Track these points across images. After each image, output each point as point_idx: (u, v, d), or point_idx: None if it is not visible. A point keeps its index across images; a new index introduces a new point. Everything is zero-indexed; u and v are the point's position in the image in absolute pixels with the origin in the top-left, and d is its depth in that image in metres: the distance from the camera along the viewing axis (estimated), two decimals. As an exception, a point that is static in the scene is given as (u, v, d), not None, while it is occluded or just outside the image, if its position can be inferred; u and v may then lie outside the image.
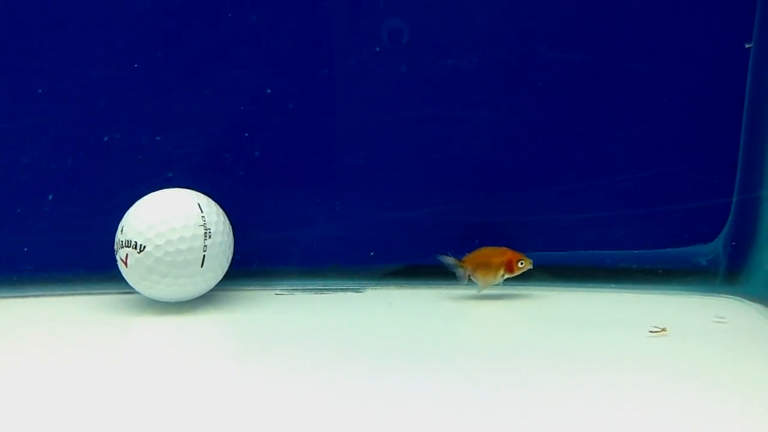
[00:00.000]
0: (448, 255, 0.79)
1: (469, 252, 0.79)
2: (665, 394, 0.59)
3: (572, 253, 0.84)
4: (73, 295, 0.82)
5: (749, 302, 0.80)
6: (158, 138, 0.82)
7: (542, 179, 0.83)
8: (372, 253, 0.85)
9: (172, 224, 0.73)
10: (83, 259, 0.83)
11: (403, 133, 0.83)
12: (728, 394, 0.59)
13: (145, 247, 0.73)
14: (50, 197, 0.82)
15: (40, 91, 0.80)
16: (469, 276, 0.78)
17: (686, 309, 0.79)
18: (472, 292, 0.80)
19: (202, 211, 0.75)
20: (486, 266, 0.78)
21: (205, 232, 0.74)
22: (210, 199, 0.78)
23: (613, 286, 0.83)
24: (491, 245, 0.79)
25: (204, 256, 0.74)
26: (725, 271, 0.83)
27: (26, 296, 0.82)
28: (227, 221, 0.78)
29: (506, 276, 0.78)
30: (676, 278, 0.83)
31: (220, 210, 0.78)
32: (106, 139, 0.81)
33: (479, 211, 0.84)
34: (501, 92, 0.82)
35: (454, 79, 0.81)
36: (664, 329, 0.70)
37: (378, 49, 0.81)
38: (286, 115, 0.82)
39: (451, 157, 0.83)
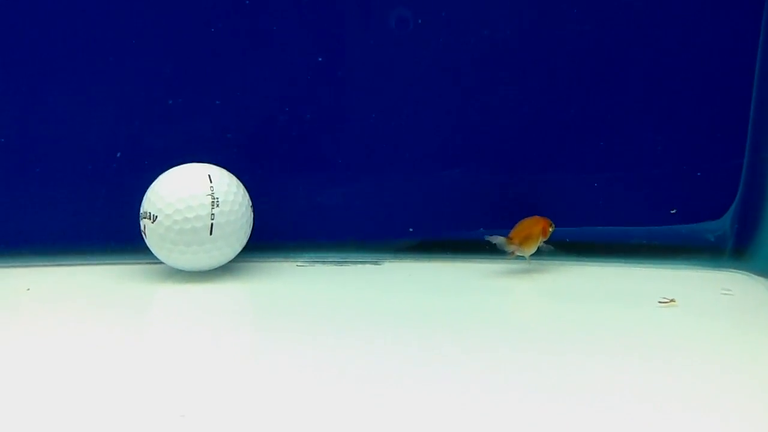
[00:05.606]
0: (494, 235, 0.80)
1: (499, 228, 0.82)
2: (673, 360, 0.61)
3: (584, 229, 0.86)
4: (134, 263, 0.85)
5: (755, 277, 0.81)
6: (218, 102, 0.85)
7: (555, 157, 0.85)
8: (411, 230, 0.87)
9: (179, 194, 0.77)
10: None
11: (422, 112, 0.85)
12: (733, 362, 0.61)
13: (156, 216, 0.77)
14: (118, 155, 0.86)
15: (111, 59, 0.84)
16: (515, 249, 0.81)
17: (695, 283, 0.80)
18: (487, 265, 0.83)
19: (211, 182, 0.78)
20: (529, 238, 0.81)
21: (213, 201, 0.77)
22: (226, 172, 0.80)
23: (623, 261, 0.85)
24: (508, 220, 0.82)
25: (212, 224, 0.77)
26: (732, 248, 0.84)
27: (91, 264, 0.86)
28: (245, 193, 0.81)
29: (542, 240, 0.81)
30: (685, 253, 0.85)
31: (235, 181, 0.80)
32: (170, 102, 0.85)
33: (495, 188, 0.86)
34: (519, 78, 0.84)
35: (472, 62, 0.84)
36: (673, 300, 0.72)
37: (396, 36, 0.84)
38: (326, 93, 0.85)
39: (468, 136, 0.86)
